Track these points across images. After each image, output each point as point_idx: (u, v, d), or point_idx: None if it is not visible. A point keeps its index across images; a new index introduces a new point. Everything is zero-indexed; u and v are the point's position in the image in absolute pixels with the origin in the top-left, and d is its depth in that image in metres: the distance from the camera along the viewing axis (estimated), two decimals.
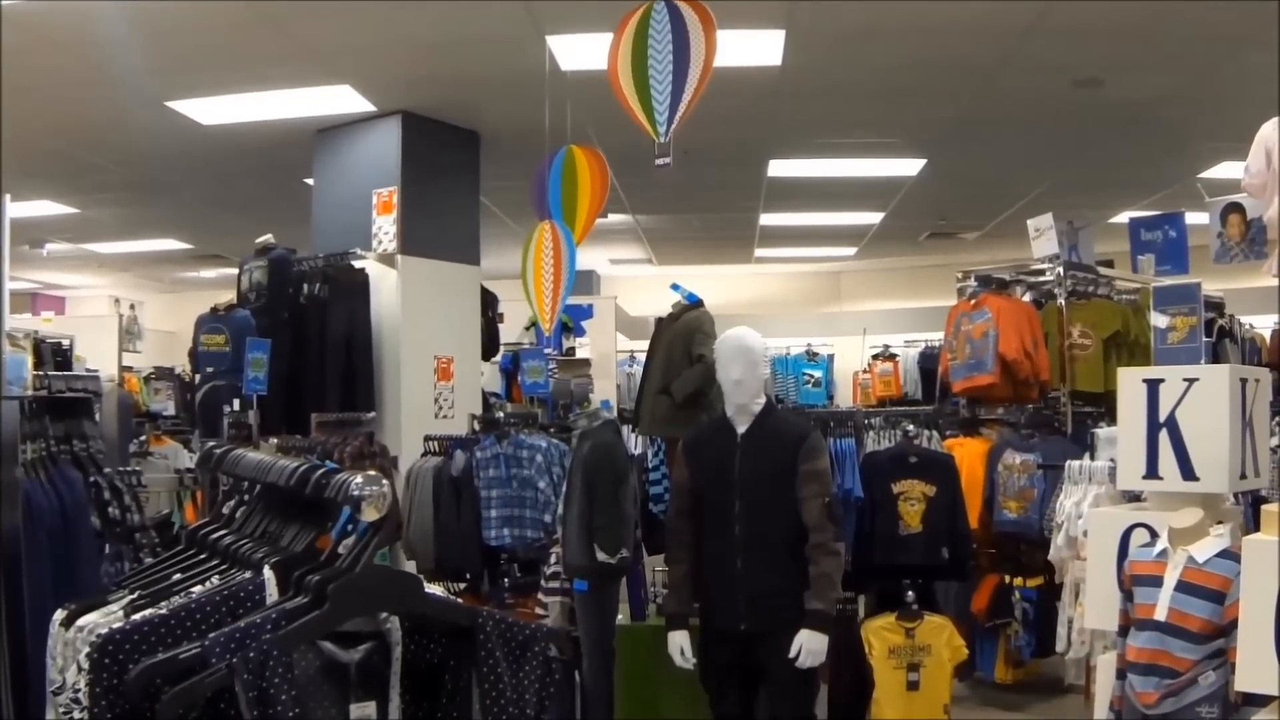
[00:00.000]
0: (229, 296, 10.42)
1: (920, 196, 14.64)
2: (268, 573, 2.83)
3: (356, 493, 2.66)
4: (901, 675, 6.82)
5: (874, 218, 16.51)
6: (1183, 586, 4.04)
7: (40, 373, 7.22)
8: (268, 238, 9.97)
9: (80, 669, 2.69)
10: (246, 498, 3.49)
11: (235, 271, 10.51)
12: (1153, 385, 4.80)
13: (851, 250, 19.76)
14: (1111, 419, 6.79)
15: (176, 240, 17.17)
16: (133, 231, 16.26)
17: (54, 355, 10.29)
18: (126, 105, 9.90)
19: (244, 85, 9.62)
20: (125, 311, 18.93)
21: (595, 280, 20.69)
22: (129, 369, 15.59)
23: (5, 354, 5.76)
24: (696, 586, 5.91)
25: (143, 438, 11.38)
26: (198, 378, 10.40)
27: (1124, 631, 4.30)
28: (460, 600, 3.08)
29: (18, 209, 6.29)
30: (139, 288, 21.12)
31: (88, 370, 10.81)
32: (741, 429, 5.88)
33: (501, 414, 9.40)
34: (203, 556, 3.35)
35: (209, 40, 8.46)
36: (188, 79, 9.38)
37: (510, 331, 13.63)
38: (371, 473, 2.73)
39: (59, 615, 3.19)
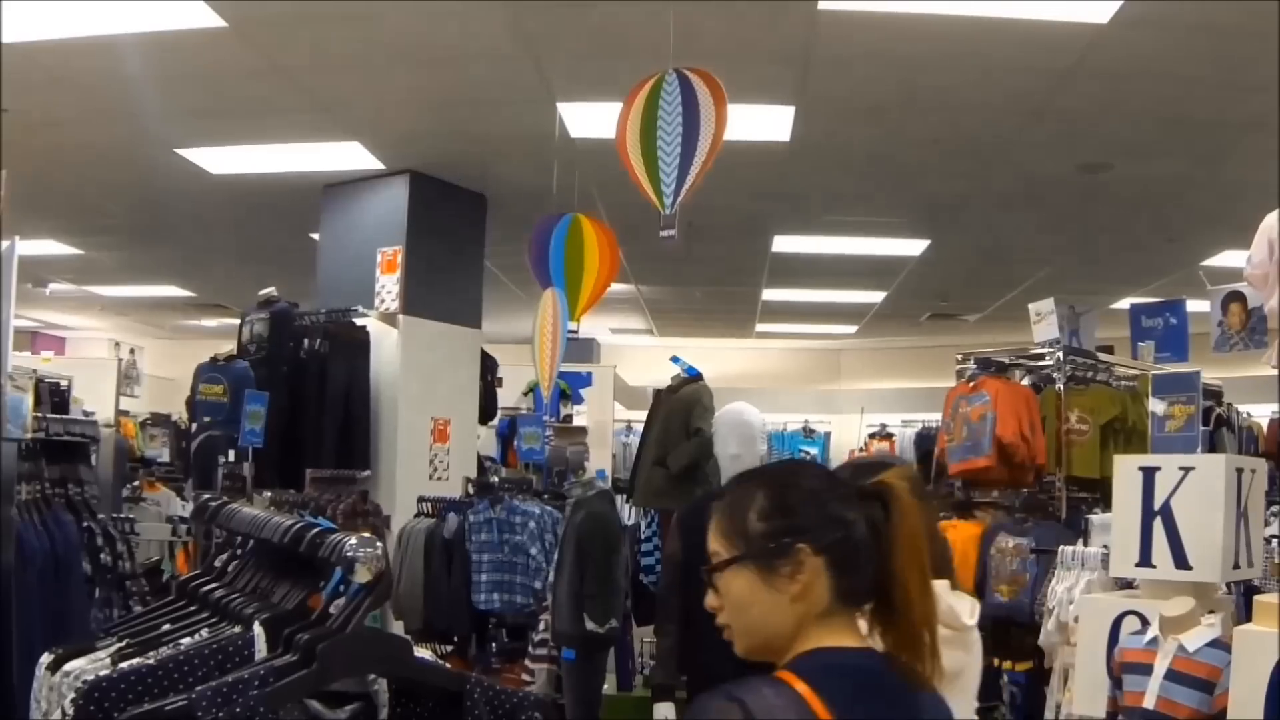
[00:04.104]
0: (229, 347, 10.41)
1: (922, 277, 14.70)
2: (257, 629, 2.83)
3: (350, 554, 2.65)
4: None
5: (876, 297, 16.56)
6: (1172, 675, 4.04)
7: (39, 414, 7.24)
8: (270, 290, 9.97)
9: (65, 715, 2.68)
10: (239, 552, 3.48)
11: (236, 322, 10.51)
12: (1149, 473, 4.80)
13: (852, 329, 19.81)
14: (1106, 505, 6.76)
15: (179, 287, 17.18)
16: (136, 276, 16.28)
17: (51, 396, 10.29)
18: (136, 149, 9.92)
19: (254, 136, 9.67)
20: (124, 356, 18.89)
21: (595, 349, 20.65)
22: (125, 413, 15.59)
23: (6, 395, 5.77)
24: (684, 658, 5.88)
25: (136, 483, 11.38)
26: (194, 426, 10.39)
27: (1112, 718, 4.29)
28: (447, 664, 3.07)
29: (22, 246, 6.30)
30: (139, 333, 21.12)
31: (85, 413, 10.82)
32: None
33: (496, 478, 9.41)
34: (193, 608, 3.34)
35: (222, 89, 8.51)
36: (199, 126, 9.42)
37: (508, 396, 13.62)
38: (366, 534, 2.72)
39: (46, 659, 3.18)
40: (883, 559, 2.13)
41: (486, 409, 11.77)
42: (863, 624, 2.16)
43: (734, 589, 2.16)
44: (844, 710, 1.98)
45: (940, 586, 2.55)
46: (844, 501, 2.16)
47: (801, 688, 1.99)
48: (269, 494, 8.68)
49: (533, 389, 12.75)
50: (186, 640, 3.02)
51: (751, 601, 2.14)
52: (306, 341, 9.67)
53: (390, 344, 10.25)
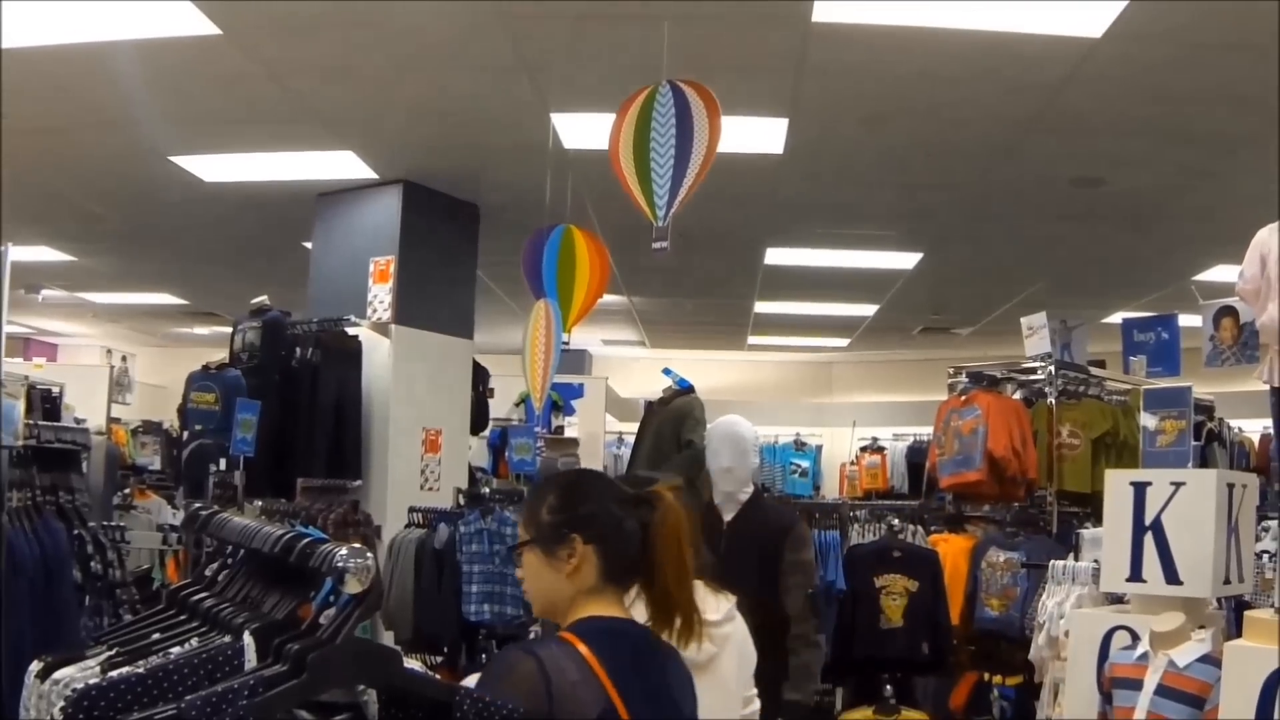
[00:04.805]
0: (221, 355, 10.39)
1: (915, 290, 14.70)
2: (247, 638, 2.82)
3: (341, 564, 2.64)
4: None
5: (868, 309, 16.56)
6: (1162, 690, 4.04)
7: (30, 421, 7.22)
8: (263, 299, 9.96)
9: None
10: (230, 561, 3.47)
11: (228, 330, 10.48)
12: (1140, 488, 4.81)
13: (844, 341, 19.79)
14: (1097, 520, 6.77)
15: (171, 295, 17.12)
16: (128, 283, 16.21)
17: (43, 403, 10.26)
18: (129, 156, 9.88)
19: (248, 145, 9.64)
20: (116, 363, 18.95)
21: (587, 360, 20.63)
22: (117, 421, 15.59)
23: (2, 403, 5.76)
24: None
25: (126, 490, 11.35)
26: (185, 434, 10.36)
27: None
28: (437, 675, 3.06)
29: (14, 252, 6.31)
30: (131, 340, 21.07)
31: (76, 420, 10.79)
32: (728, 516, 5.88)
33: (487, 489, 9.40)
34: (183, 617, 3.33)
35: (216, 96, 8.48)
36: (192, 134, 9.39)
37: (500, 407, 13.62)
38: (356, 545, 2.72)
39: (35, 667, 3.17)
40: (649, 550, 2.76)
41: (478, 420, 11.76)
42: (640, 605, 2.80)
43: (527, 565, 2.83)
44: (612, 665, 2.59)
45: (695, 585, 2.95)
46: (617, 503, 2.79)
47: (582, 648, 2.60)
48: (260, 503, 8.67)
49: (524, 400, 12.75)
50: (176, 649, 3.01)
51: (538, 575, 2.81)
52: (298, 350, 9.65)
53: (382, 354, 10.22)
